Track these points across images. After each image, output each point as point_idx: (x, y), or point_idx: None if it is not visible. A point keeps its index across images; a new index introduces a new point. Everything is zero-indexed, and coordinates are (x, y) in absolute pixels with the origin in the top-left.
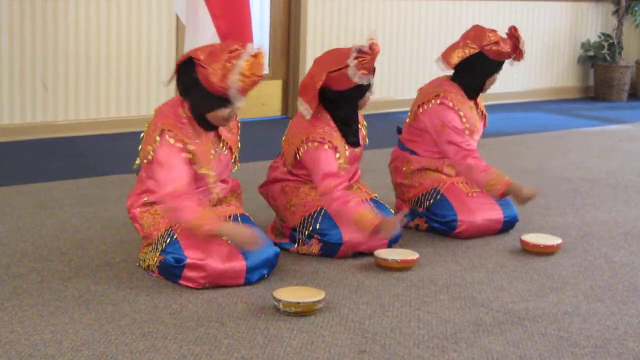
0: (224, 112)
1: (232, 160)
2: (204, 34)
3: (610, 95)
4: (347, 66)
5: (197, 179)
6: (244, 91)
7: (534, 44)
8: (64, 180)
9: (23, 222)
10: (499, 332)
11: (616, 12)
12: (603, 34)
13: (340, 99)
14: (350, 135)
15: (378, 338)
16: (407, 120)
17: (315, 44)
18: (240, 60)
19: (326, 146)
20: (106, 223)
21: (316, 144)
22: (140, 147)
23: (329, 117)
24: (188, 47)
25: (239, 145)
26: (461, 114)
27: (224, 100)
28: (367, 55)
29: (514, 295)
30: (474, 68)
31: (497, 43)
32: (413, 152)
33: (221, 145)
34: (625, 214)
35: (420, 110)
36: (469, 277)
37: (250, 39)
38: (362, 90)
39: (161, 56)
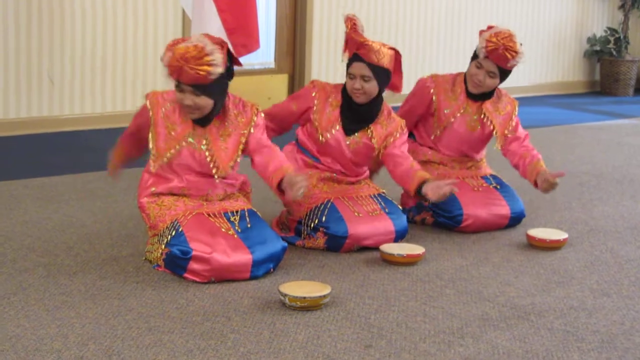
0: (179, 95)
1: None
2: (210, 27)
3: (617, 89)
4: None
5: (202, 165)
6: (170, 68)
7: (541, 38)
8: (70, 175)
9: (29, 216)
10: (505, 326)
11: (622, 6)
12: (609, 28)
13: None
14: (345, 120)
15: (384, 333)
16: None
17: (321, 39)
18: (183, 44)
19: (313, 88)
20: (112, 217)
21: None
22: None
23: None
24: None
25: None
26: (434, 98)
27: (177, 84)
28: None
29: (520, 290)
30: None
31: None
32: (411, 135)
33: (210, 139)
34: (632, 208)
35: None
36: (475, 272)
37: (256, 33)
38: (347, 68)
39: None
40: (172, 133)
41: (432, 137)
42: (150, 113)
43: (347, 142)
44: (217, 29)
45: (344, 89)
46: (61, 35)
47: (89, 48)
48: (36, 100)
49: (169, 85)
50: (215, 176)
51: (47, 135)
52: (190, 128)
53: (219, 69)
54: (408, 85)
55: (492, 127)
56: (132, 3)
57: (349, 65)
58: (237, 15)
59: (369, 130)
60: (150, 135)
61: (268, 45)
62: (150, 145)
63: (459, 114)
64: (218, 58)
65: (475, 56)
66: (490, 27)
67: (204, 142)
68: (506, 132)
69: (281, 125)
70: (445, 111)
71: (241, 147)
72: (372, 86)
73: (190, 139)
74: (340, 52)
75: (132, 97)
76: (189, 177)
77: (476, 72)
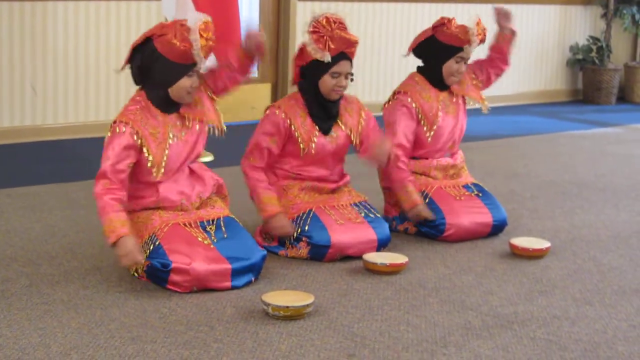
0: (187, 82)
1: (207, 130)
2: None
3: (599, 98)
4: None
5: (187, 179)
6: (204, 50)
7: (523, 47)
8: (53, 184)
9: (12, 225)
10: (488, 335)
11: (605, 15)
12: (592, 37)
13: (303, 75)
14: (319, 121)
15: (367, 342)
16: None
17: None
18: (192, 25)
19: (277, 111)
20: (95, 227)
21: (268, 111)
22: None
23: (299, 97)
24: None
25: (218, 114)
26: (414, 105)
27: (186, 68)
28: (324, 29)
29: (503, 298)
30: (429, 54)
31: (444, 24)
32: None
33: (187, 124)
34: (614, 217)
35: (383, 111)
36: (458, 281)
37: (240, 42)
38: (321, 68)
39: None
40: (157, 136)
41: (429, 140)
42: (137, 133)
43: (330, 142)
44: None
45: (305, 93)
46: (44, 44)
47: (72, 57)
48: (19, 109)
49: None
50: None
51: (30, 145)
52: (166, 124)
53: None
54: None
55: (467, 101)
56: (115, 12)
57: (333, 64)
58: (220, 24)
59: (339, 123)
60: (144, 150)
61: None
62: (150, 158)
63: (440, 108)
64: None
65: (450, 53)
66: (443, 24)
67: (186, 123)
68: (477, 82)
69: (269, 164)
70: (430, 113)
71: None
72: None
73: (170, 134)
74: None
75: (115, 107)
76: (167, 184)
77: (458, 67)
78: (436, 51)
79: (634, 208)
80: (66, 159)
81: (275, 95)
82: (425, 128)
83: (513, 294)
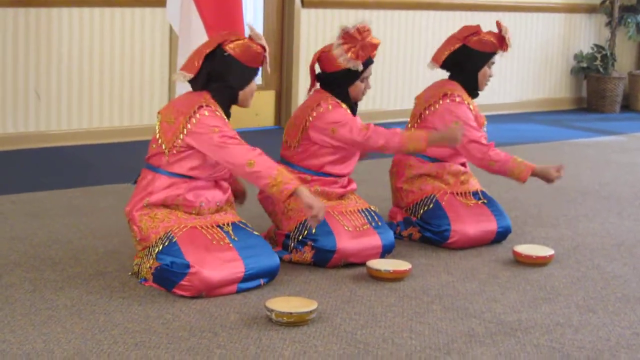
0: (254, 85)
1: None
2: (197, 44)
3: (603, 106)
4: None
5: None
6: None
7: (527, 55)
8: (56, 190)
9: (16, 232)
10: (492, 343)
11: (609, 23)
12: (596, 45)
13: (331, 82)
14: (353, 112)
15: (370, 349)
16: (409, 126)
17: (308, 55)
18: (256, 31)
19: (343, 106)
20: (98, 233)
21: (329, 106)
22: (158, 139)
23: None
24: (182, 58)
25: None
26: (471, 107)
27: (256, 71)
28: (354, 39)
29: (507, 306)
30: (463, 63)
31: (477, 33)
32: (419, 155)
33: None
34: (618, 225)
35: (428, 112)
36: (461, 288)
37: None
38: (351, 76)
39: (154, 66)
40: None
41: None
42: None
43: None
44: None
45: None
46: (48, 50)
47: (76, 63)
48: (23, 115)
49: (156, 101)
50: None
51: (33, 151)
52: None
53: None
54: (396, 103)
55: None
56: (119, 19)
57: (364, 70)
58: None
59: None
60: None
61: None
62: None
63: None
64: None
65: (485, 59)
66: (474, 33)
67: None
68: None
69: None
70: (479, 117)
71: None
72: None
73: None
74: None
75: (118, 113)
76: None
77: (490, 71)
78: (471, 59)
79: (637, 216)
80: (70, 165)
81: (279, 102)
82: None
83: (516, 302)
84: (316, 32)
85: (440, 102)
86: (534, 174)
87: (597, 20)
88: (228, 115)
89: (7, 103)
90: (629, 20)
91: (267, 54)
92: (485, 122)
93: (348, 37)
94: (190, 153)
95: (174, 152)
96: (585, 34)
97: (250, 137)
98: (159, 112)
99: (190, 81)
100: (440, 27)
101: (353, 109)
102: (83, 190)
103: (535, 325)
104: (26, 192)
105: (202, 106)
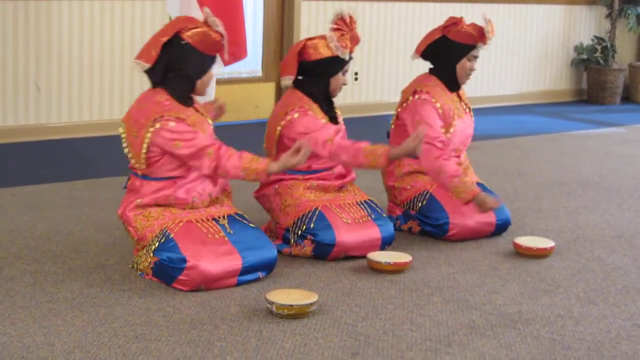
0: (212, 73)
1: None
2: None
3: (604, 98)
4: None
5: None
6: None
7: (527, 47)
8: (56, 183)
9: (16, 224)
10: (492, 334)
11: (609, 15)
12: (596, 37)
13: (312, 71)
14: (328, 111)
15: (371, 341)
16: (391, 122)
17: None
18: (213, 18)
19: (310, 112)
20: (99, 225)
21: (296, 114)
22: (128, 152)
23: (303, 95)
24: None
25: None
26: (438, 105)
27: (213, 59)
28: (347, 27)
29: (507, 298)
30: (441, 54)
31: (456, 24)
32: None
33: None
34: (618, 217)
35: (400, 109)
36: (462, 280)
37: (244, 42)
38: (336, 65)
39: None
40: (196, 122)
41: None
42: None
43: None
44: None
45: (313, 89)
46: (48, 42)
47: (76, 56)
48: (23, 108)
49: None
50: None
51: (34, 144)
52: (191, 111)
53: None
54: (392, 95)
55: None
56: (119, 11)
57: (347, 62)
58: (224, 24)
59: (336, 111)
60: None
61: (255, 54)
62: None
63: (455, 110)
64: None
65: (464, 52)
66: (454, 24)
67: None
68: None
69: None
70: (449, 115)
71: None
72: None
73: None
74: None
75: (119, 106)
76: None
77: (471, 65)
78: (450, 51)
79: (638, 208)
80: (70, 157)
81: (279, 94)
82: (442, 130)
83: (517, 293)
84: (316, 24)
85: (411, 98)
86: (474, 200)
87: (598, 12)
88: (188, 102)
89: (8, 96)
90: (629, 12)
91: (225, 42)
92: (469, 122)
93: (342, 23)
94: (165, 157)
95: (149, 162)
96: (585, 25)
97: (250, 129)
98: (122, 120)
99: (147, 71)
100: (442, 20)
101: (330, 107)
102: (84, 182)
103: (535, 317)
104: (27, 185)
105: (156, 119)
